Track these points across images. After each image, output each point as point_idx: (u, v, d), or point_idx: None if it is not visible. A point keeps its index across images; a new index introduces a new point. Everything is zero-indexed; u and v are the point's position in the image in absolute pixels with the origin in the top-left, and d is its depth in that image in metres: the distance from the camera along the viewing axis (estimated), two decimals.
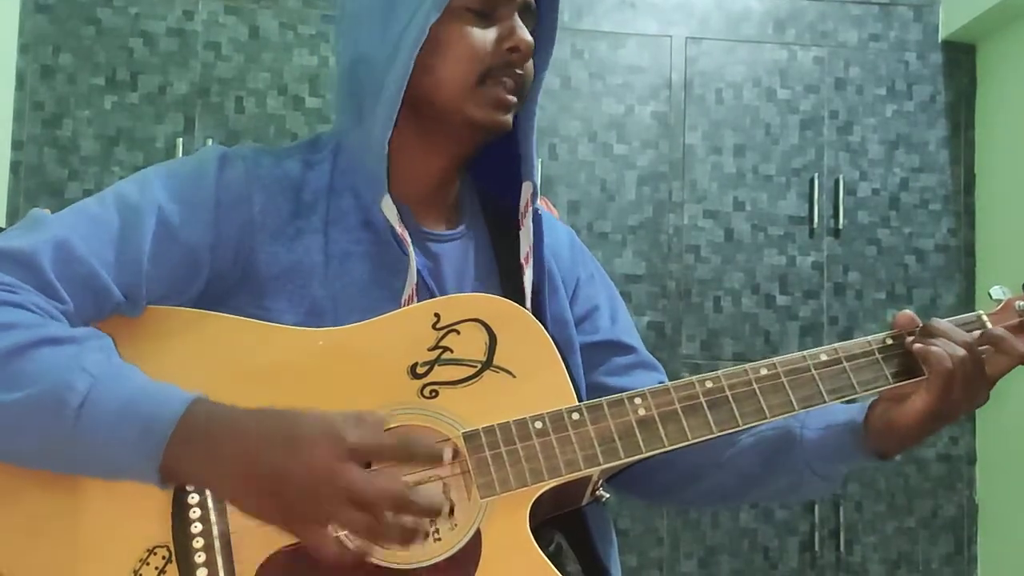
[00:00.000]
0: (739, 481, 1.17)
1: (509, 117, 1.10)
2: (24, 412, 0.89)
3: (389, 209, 1.07)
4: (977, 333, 1.04)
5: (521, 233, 1.14)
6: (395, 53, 1.06)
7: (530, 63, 1.12)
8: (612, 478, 1.19)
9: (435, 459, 0.92)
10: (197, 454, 0.90)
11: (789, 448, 1.12)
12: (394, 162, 1.11)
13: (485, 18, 1.07)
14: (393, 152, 1.11)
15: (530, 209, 1.15)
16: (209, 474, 0.91)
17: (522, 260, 1.13)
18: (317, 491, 0.87)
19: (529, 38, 1.08)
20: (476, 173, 1.21)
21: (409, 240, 1.07)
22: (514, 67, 1.09)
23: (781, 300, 3.48)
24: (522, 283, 1.12)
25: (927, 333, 1.05)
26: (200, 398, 0.92)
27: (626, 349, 1.22)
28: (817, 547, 3.40)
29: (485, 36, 1.07)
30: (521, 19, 1.09)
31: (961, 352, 1.02)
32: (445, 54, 1.07)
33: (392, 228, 1.07)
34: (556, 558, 1.03)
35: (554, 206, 3.07)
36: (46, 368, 0.90)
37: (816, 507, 3.41)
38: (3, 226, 3.02)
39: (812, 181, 3.49)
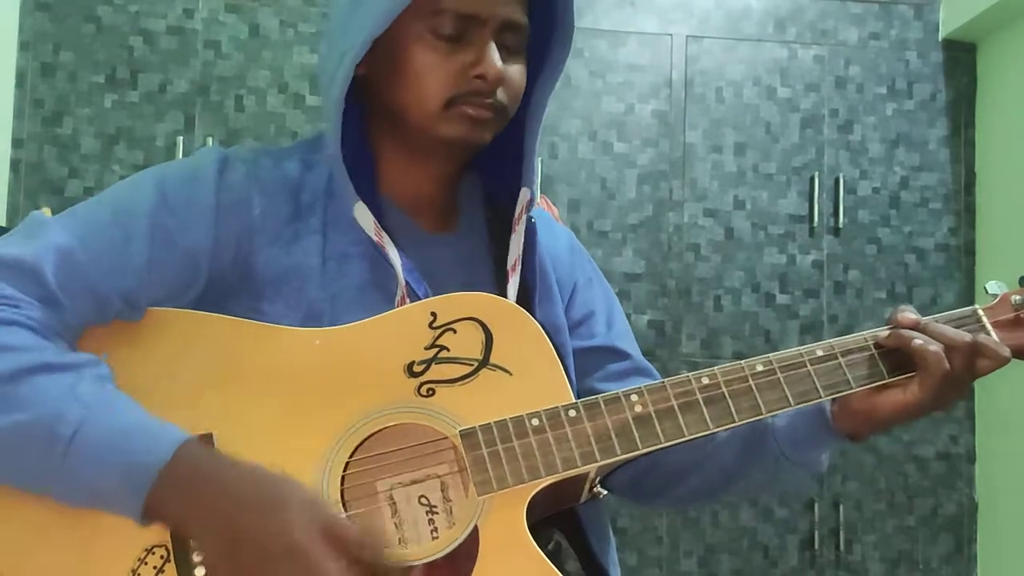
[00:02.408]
0: (721, 476, 1.17)
1: (486, 132, 1.09)
2: (15, 438, 0.90)
3: (363, 217, 1.07)
4: (970, 337, 1.04)
5: (512, 240, 1.14)
6: (338, 67, 1.06)
7: (517, 82, 1.10)
8: (605, 480, 1.19)
9: None
10: (180, 499, 0.90)
11: (761, 437, 1.12)
12: (384, 168, 1.12)
13: (455, 41, 1.05)
14: (383, 159, 1.11)
15: (524, 217, 1.15)
16: (188, 519, 0.90)
17: (508, 268, 1.12)
18: (276, 559, 0.85)
19: (498, 64, 1.05)
20: (481, 170, 1.21)
21: (389, 245, 1.07)
22: (482, 95, 1.06)
23: (781, 299, 3.48)
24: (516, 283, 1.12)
25: (926, 332, 1.05)
26: (190, 440, 0.91)
27: (621, 355, 1.22)
28: (817, 546, 3.40)
29: (453, 62, 1.05)
30: (500, 40, 1.07)
31: (959, 355, 1.02)
32: (410, 78, 1.06)
33: (370, 236, 1.07)
34: (555, 557, 1.03)
35: (554, 204, 3.07)
36: (41, 396, 0.90)
37: (816, 505, 3.41)
38: (3, 224, 3.02)
39: (812, 180, 3.49)
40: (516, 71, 1.09)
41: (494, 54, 1.05)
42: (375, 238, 1.06)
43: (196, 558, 0.93)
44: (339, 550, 0.86)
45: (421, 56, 1.06)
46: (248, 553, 0.87)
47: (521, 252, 1.13)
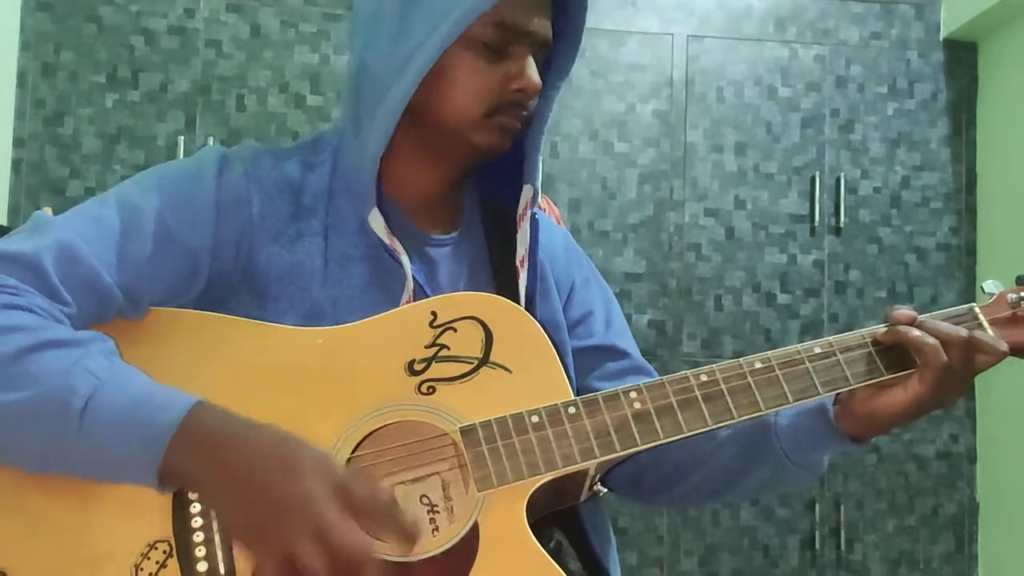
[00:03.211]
0: (723, 475, 1.17)
1: (509, 141, 1.11)
2: (27, 413, 0.90)
3: (377, 223, 1.08)
4: (966, 333, 1.04)
5: (518, 236, 1.15)
6: (401, 72, 1.05)
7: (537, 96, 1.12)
8: (605, 477, 1.19)
9: (409, 539, 0.88)
10: (195, 459, 0.90)
11: (765, 437, 1.12)
12: (394, 169, 1.12)
13: (498, 53, 1.07)
14: (393, 159, 1.11)
15: (528, 212, 1.15)
16: (203, 480, 0.91)
17: (517, 264, 1.13)
18: (287, 515, 0.85)
19: (538, 80, 1.08)
20: (477, 174, 1.21)
21: (401, 250, 1.07)
22: (520, 106, 1.09)
23: (782, 298, 3.48)
24: (516, 285, 1.13)
25: (922, 328, 1.05)
26: (201, 402, 0.92)
27: (620, 354, 1.22)
28: (818, 545, 3.40)
29: (495, 73, 1.07)
30: (535, 56, 1.09)
31: (955, 349, 1.03)
32: (454, 84, 1.07)
33: (382, 241, 1.07)
34: (556, 556, 1.03)
35: (555, 204, 3.07)
36: (50, 370, 0.90)
37: (817, 505, 3.41)
38: (4, 224, 3.03)
39: (813, 179, 3.49)
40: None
41: (533, 68, 1.08)
42: (387, 242, 1.07)
43: (198, 553, 0.93)
44: (349, 506, 0.86)
45: (470, 63, 1.07)
46: (259, 505, 0.87)
47: (528, 247, 1.14)
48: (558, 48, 1.15)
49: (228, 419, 0.92)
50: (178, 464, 0.90)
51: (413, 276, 1.07)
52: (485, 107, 1.07)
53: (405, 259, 1.07)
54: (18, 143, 3.19)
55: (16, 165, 3.18)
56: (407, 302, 1.06)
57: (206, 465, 0.90)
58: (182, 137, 3.25)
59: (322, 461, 0.89)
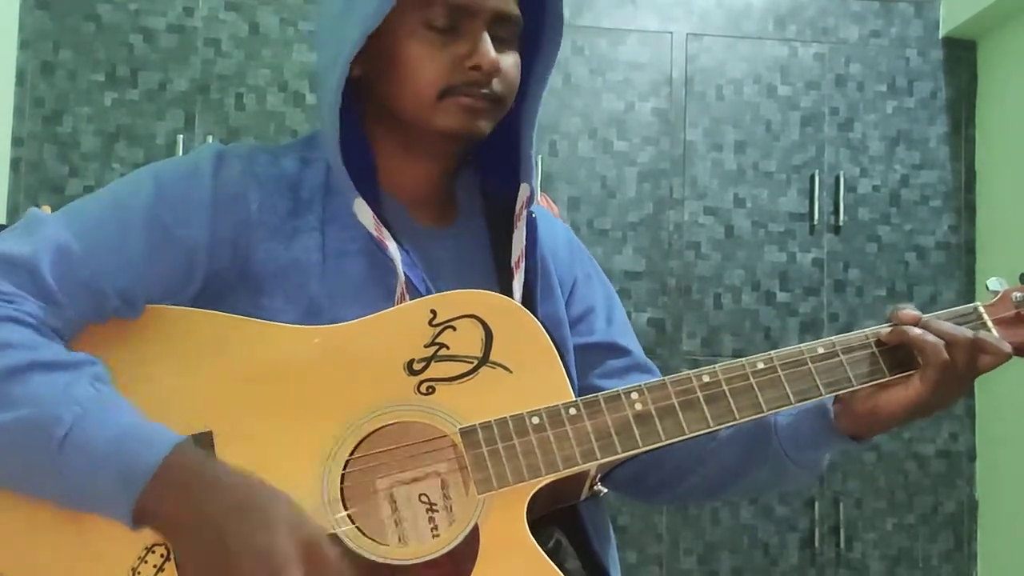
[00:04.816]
0: (722, 474, 1.17)
1: (483, 123, 1.08)
2: (10, 436, 0.90)
3: (363, 213, 1.07)
4: (971, 333, 1.03)
5: (514, 236, 1.14)
6: (335, 64, 1.05)
7: (512, 74, 1.09)
8: (606, 477, 1.19)
9: None
10: (169, 503, 0.89)
11: (765, 437, 1.12)
12: (386, 164, 1.12)
13: (448, 33, 1.06)
14: (382, 156, 1.11)
15: (524, 212, 1.15)
16: (174, 523, 0.90)
17: (512, 264, 1.12)
18: (245, 563, 0.85)
19: (493, 55, 1.05)
20: (480, 166, 1.21)
21: (389, 239, 1.06)
22: (478, 85, 1.06)
23: (781, 297, 3.48)
24: (511, 286, 1.12)
25: (925, 327, 1.04)
26: (182, 444, 0.91)
27: (621, 351, 1.22)
28: (817, 543, 3.40)
29: (445, 54, 1.05)
30: (495, 31, 1.07)
31: (959, 350, 1.02)
32: (405, 71, 1.06)
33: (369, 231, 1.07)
34: (555, 555, 1.03)
35: (554, 203, 3.07)
36: (36, 395, 0.90)
37: (816, 503, 3.41)
38: (3, 222, 3.02)
39: (812, 178, 3.49)
40: (510, 62, 1.09)
41: (487, 44, 1.05)
42: (375, 233, 1.06)
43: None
44: (313, 567, 0.86)
45: (414, 49, 1.06)
46: (218, 549, 0.86)
47: (524, 248, 1.13)
48: (540, 40, 1.14)
49: (207, 464, 0.92)
50: (154, 506, 0.89)
51: (404, 270, 1.06)
52: (438, 88, 1.06)
53: (393, 247, 1.06)
54: (17, 142, 3.18)
55: (15, 164, 3.18)
56: (401, 294, 1.05)
57: (180, 508, 0.89)
58: (181, 136, 3.25)
59: (297, 516, 0.89)
